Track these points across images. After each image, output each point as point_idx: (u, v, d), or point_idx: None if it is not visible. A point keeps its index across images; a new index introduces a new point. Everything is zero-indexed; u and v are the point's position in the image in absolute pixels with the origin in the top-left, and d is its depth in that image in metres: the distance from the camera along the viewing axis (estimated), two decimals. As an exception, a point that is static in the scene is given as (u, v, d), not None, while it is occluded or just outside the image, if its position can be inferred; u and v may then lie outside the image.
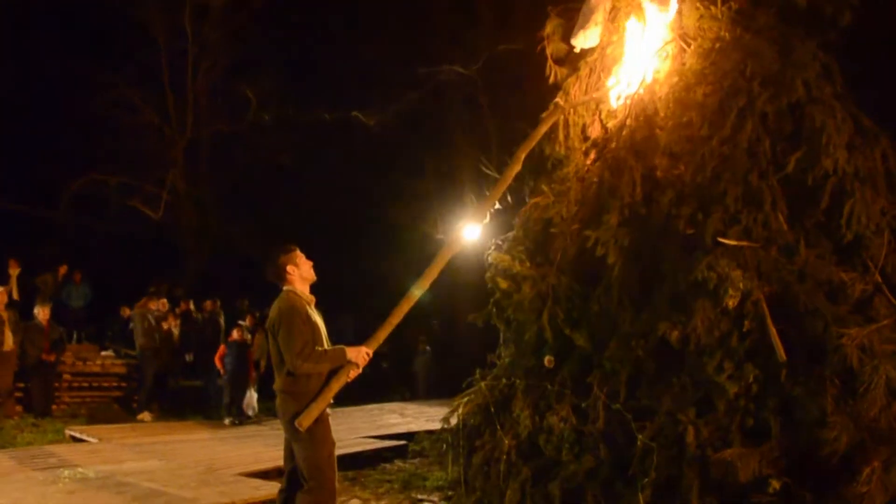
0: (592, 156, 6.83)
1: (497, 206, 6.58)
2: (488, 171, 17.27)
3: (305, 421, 4.58)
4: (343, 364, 4.78)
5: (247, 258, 16.30)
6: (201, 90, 18.55)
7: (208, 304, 14.62)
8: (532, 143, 6.41)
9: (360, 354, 4.83)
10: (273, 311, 4.81)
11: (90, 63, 17.33)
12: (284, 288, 4.91)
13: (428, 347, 16.89)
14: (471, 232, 6.20)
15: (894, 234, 5.51)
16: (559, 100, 6.95)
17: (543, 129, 6.56)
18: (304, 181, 18.20)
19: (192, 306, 14.85)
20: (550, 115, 6.73)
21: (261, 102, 18.02)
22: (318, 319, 4.85)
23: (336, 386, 4.73)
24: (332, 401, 4.78)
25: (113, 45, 18.23)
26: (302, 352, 4.60)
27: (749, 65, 5.99)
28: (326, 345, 4.83)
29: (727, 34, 6.28)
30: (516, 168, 6.24)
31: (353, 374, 4.85)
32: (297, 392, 4.70)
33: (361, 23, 17.51)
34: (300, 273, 4.93)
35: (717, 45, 6.23)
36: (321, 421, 4.68)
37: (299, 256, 4.96)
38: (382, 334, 5.16)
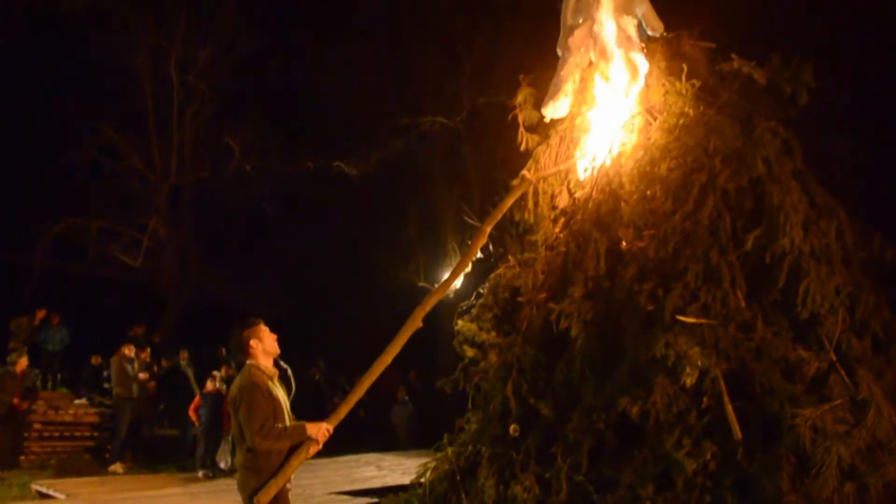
0: (560, 225, 6.96)
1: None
2: (470, 221, 17.52)
3: (263, 498, 4.58)
4: (303, 440, 4.80)
5: (227, 306, 16.30)
6: (186, 137, 18.70)
7: (184, 352, 14.55)
8: (498, 215, 6.53)
9: (320, 431, 4.85)
10: (234, 386, 4.84)
11: (75, 108, 17.44)
12: (247, 362, 4.94)
13: (407, 397, 16.82)
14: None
15: (849, 312, 5.64)
16: (526, 172, 7.09)
17: (510, 201, 6.70)
18: (286, 228, 18.31)
19: (181, 357, 14.73)
20: (518, 187, 6.86)
21: (244, 150, 18.18)
22: (279, 394, 4.87)
23: (296, 462, 4.74)
24: (291, 477, 4.78)
25: (99, 91, 18.36)
26: (262, 429, 4.62)
27: (712, 141, 6.18)
28: (288, 420, 4.85)
29: (691, 110, 6.48)
30: (482, 241, 6.35)
31: (314, 449, 4.86)
32: (257, 468, 4.71)
33: (346, 72, 17.77)
34: (263, 347, 4.97)
35: (682, 121, 6.42)
36: (280, 497, 4.69)
37: (263, 330, 5.01)
38: (344, 409, 5.20)
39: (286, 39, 17.72)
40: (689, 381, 5.18)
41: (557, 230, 7.07)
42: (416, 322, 5.76)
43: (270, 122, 18.13)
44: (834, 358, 5.36)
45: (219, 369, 13.07)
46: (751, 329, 5.42)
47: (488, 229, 6.39)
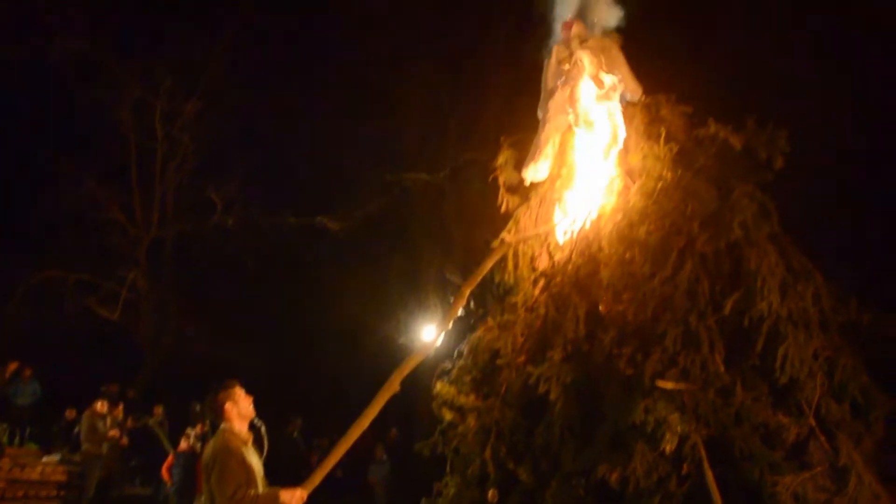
0: (540, 287, 6.95)
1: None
2: (451, 278, 17.50)
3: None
4: (277, 507, 4.67)
5: (205, 360, 16.07)
6: (168, 190, 18.68)
7: (158, 408, 14.27)
8: (478, 277, 6.53)
9: (293, 497, 4.73)
10: (207, 451, 4.73)
11: (57, 157, 17.41)
12: (221, 426, 4.83)
13: (385, 456, 16.50)
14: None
15: (828, 376, 5.64)
16: (506, 234, 7.11)
17: (490, 263, 6.71)
18: (267, 282, 18.19)
19: (155, 413, 14.44)
20: (498, 249, 6.88)
21: (226, 204, 18.17)
22: (253, 460, 4.76)
23: (268, 530, 4.60)
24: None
25: (82, 141, 18.37)
26: (234, 496, 4.50)
27: (690, 205, 6.24)
28: (261, 486, 4.73)
29: (669, 174, 6.54)
30: (461, 303, 6.34)
31: (287, 516, 4.73)
32: (228, 535, 4.57)
33: (329, 126, 17.93)
34: (238, 410, 4.87)
35: (660, 185, 6.47)
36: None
37: (238, 393, 4.92)
38: (320, 475, 5.09)
39: (272, 94, 17.89)
40: (668, 447, 5.13)
41: (537, 292, 7.06)
42: (393, 386, 5.69)
43: (254, 175, 18.18)
44: (814, 423, 5.33)
45: (193, 427, 12.81)
46: (730, 394, 5.39)
47: (468, 291, 6.38)
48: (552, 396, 5.85)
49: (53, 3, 16.86)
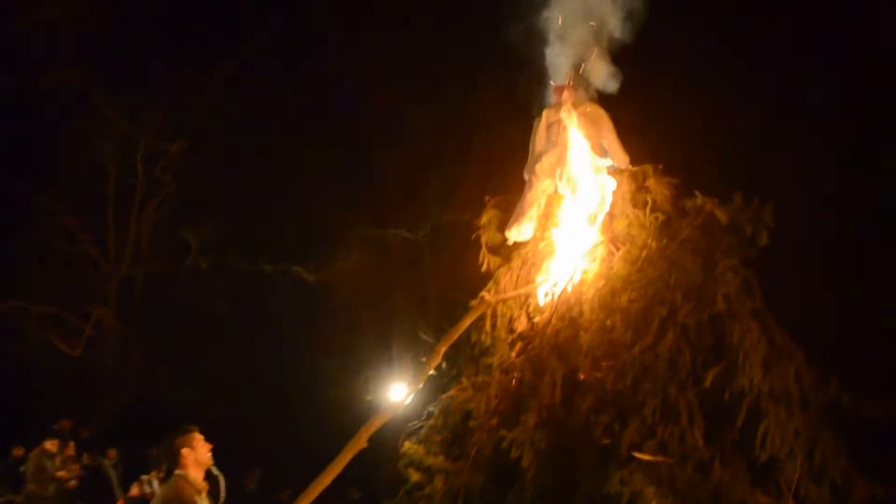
0: (517, 349, 6.82)
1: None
2: (425, 337, 17.29)
3: None
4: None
5: (167, 405, 15.60)
6: (144, 228, 18.41)
7: (112, 451, 13.73)
8: (454, 336, 6.40)
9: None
10: (158, 498, 4.48)
11: (32, 186, 17.14)
12: (176, 472, 4.57)
13: (345, 516, 15.98)
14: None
15: (807, 457, 5.51)
16: (486, 293, 6.99)
17: (467, 322, 6.58)
18: (237, 329, 17.84)
19: (108, 455, 13.88)
20: (476, 307, 6.75)
21: (202, 247, 17.92)
22: (206, 511, 4.51)
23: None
24: None
25: (61, 173, 18.10)
26: (182, 548, 4.24)
27: (673, 275, 6.17)
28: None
29: (654, 243, 6.50)
30: (435, 361, 6.18)
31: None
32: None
33: (309, 178, 17.90)
34: (196, 457, 4.62)
35: (644, 254, 6.42)
36: None
37: (197, 439, 4.67)
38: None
39: (258, 140, 17.87)
40: (644, 522, 4.94)
41: (514, 354, 6.92)
42: (360, 442, 5.49)
43: (232, 220, 17.99)
44: (793, 504, 5.19)
45: (148, 473, 12.32)
46: (708, 469, 5.24)
47: (443, 349, 6.23)
48: (524, 462, 5.65)
49: (44, 35, 16.82)
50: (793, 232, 6.52)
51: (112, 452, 13.71)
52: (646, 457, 5.18)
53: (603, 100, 7.83)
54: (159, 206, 18.32)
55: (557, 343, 6.23)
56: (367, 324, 18.57)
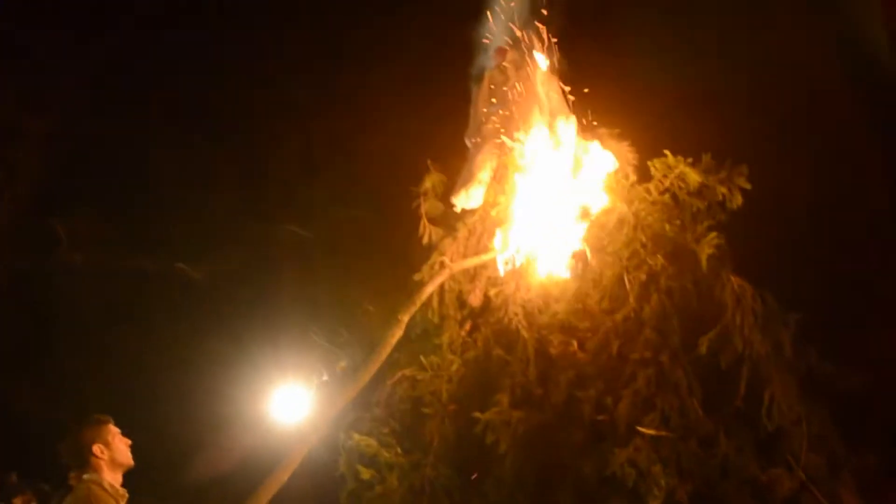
0: (468, 327, 6.10)
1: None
2: (317, 339, 16.22)
3: None
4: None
5: (31, 422, 13.77)
6: (4, 219, 16.33)
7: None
8: (416, 305, 5.60)
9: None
10: (62, 514, 3.35)
11: None
12: (84, 477, 3.42)
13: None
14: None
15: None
16: (445, 258, 6.21)
17: (430, 289, 5.79)
18: (114, 335, 16.10)
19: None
20: (437, 274, 5.96)
21: (73, 242, 16.06)
22: (129, 526, 3.42)
23: None
24: None
25: None
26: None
27: (648, 238, 5.67)
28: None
29: (624, 205, 5.97)
30: (398, 333, 5.34)
31: None
32: None
33: (192, 167, 16.54)
34: (112, 456, 3.48)
35: (615, 217, 5.88)
36: None
37: (112, 433, 3.55)
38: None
39: (138, 126, 16.31)
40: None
41: (464, 332, 6.19)
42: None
43: (109, 212, 16.27)
44: (803, 477, 4.70)
45: (9, 501, 10.64)
46: (713, 443, 4.68)
47: (406, 318, 5.40)
48: (501, 448, 4.91)
49: None
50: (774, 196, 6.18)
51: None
52: (650, 431, 4.56)
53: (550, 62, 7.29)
54: (21, 195, 16.34)
55: (526, 314, 5.54)
56: (256, 326, 17.35)
